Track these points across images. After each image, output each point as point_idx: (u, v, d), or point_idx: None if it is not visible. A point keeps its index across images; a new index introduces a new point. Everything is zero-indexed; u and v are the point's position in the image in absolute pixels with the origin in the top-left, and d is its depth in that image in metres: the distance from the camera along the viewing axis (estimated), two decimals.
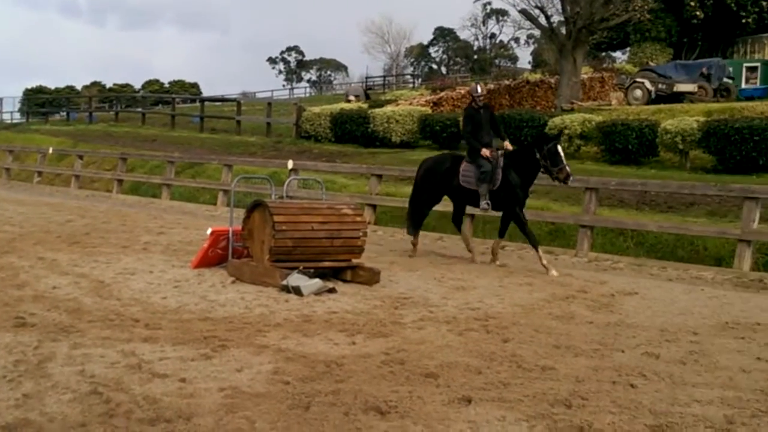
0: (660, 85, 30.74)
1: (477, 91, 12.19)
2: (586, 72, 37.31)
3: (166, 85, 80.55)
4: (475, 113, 12.18)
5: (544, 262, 11.27)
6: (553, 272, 11.01)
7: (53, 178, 28.37)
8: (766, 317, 8.41)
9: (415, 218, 12.94)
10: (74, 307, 8.11)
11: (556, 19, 33.81)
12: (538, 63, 66.82)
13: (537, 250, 11.46)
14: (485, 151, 11.79)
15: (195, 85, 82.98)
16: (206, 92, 78.51)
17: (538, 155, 11.49)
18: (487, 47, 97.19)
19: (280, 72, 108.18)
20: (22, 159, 31.50)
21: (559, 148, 11.53)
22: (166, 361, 6.22)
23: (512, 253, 13.09)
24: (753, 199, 11.60)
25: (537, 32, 47.61)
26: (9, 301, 8.27)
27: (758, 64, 35.71)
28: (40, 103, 63.72)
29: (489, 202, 11.81)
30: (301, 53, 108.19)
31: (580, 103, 30.27)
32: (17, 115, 57.31)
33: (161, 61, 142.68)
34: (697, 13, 39.09)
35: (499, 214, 12.18)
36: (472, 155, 12.00)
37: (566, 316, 8.31)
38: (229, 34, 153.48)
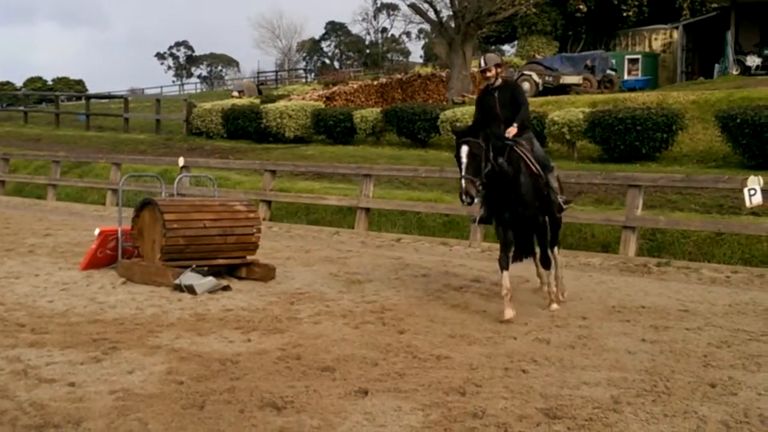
0: (547, 78, 31.60)
1: (483, 64, 8.50)
2: (475, 65, 37.81)
3: (50, 83, 77.83)
4: (486, 96, 8.63)
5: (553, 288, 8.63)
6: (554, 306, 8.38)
7: None
8: (650, 300, 8.73)
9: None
10: None
11: (445, 13, 34.26)
12: (429, 57, 67.67)
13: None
14: None
15: (80, 82, 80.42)
16: (92, 89, 76.08)
17: None
18: (379, 41, 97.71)
19: (170, 68, 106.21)
20: None
21: (463, 151, 7.78)
22: (54, 365, 6.05)
23: (408, 245, 13.19)
24: (636, 186, 11.98)
25: (427, 26, 48.08)
26: None
27: (639, 56, 37.08)
28: None
29: (481, 215, 8.62)
30: (191, 48, 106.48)
31: (471, 96, 30.69)
32: None
33: (42, 57, 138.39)
34: (581, 6, 40.22)
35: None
36: None
37: (461, 306, 8.44)
38: (113, 29, 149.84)
